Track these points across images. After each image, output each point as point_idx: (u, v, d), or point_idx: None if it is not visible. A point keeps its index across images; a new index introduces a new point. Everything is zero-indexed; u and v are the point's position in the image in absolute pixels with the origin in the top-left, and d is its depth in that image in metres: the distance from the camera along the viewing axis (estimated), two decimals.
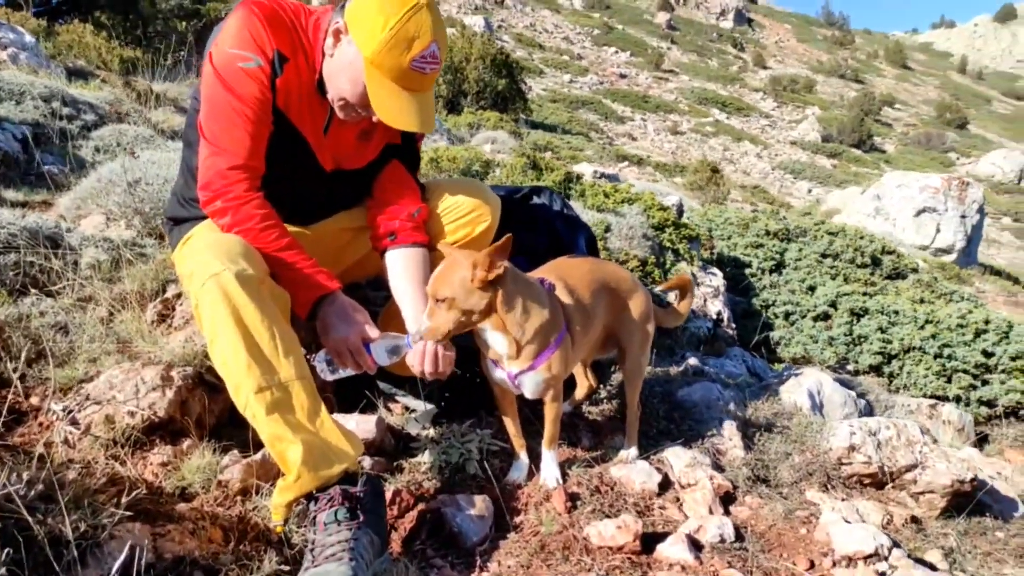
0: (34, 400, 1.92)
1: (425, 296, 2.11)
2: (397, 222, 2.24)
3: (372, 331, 1.98)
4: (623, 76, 34.85)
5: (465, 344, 2.43)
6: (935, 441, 2.88)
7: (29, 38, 6.21)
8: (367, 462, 2.14)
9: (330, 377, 2.03)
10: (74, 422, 1.81)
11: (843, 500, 2.59)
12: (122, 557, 1.20)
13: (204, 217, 2.04)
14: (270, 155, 2.04)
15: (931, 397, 4.14)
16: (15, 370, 1.97)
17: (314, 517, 1.68)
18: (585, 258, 2.58)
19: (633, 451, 2.48)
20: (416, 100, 1.95)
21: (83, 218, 3.13)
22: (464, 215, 2.33)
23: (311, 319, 2.03)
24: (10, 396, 1.90)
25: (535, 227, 2.96)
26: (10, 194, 3.48)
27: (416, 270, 2.21)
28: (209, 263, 1.78)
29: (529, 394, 2.16)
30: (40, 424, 1.86)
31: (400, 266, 2.22)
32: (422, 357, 2.00)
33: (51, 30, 7.27)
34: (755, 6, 66.49)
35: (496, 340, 2.05)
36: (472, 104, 17.59)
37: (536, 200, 3.04)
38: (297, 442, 1.70)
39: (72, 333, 2.19)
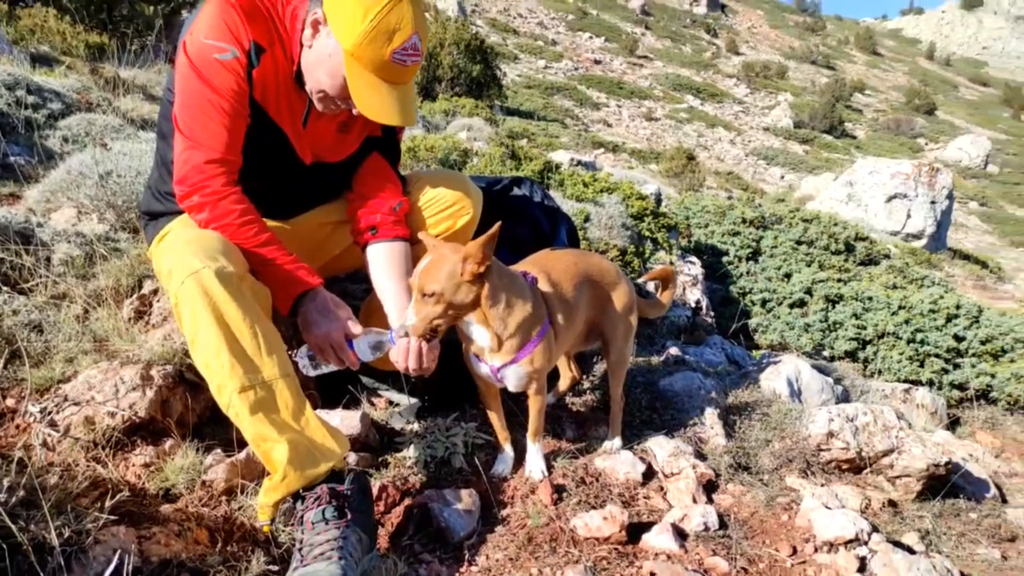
0: (10, 402, 1.88)
1: (408, 291, 2.10)
2: (378, 216, 2.21)
3: (355, 327, 1.96)
4: (598, 62, 34.80)
5: (450, 339, 2.42)
6: (910, 426, 2.93)
7: None
8: (352, 458, 2.13)
9: (312, 373, 2.01)
10: (53, 424, 1.77)
11: (822, 486, 2.63)
12: (111, 567, 1.17)
13: (180, 211, 2.00)
14: (248, 149, 2.00)
15: (905, 381, 4.22)
16: None
17: (301, 516, 1.67)
18: (569, 250, 2.58)
19: (617, 441, 2.49)
20: (397, 93, 1.92)
21: (53, 211, 3.06)
22: (446, 208, 2.32)
23: (292, 315, 2.00)
24: None
25: (516, 218, 2.95)
26: None
27: (398, 264, 2.19)
28: (188, 261, 1.74)
29: (512, 387, 2.16)
30: (17, 427, 1.82)
31: (382, 261, 2.20)
32: (406, 353, 1.99)
33: (12, 14, 7.06)
34: None
35: (479, 334, 2.04)
36: (447, 90, 17.44)
37: (517, 191, 3.03)
38: (282, 441, 1.68)
39: (47, 332, 2.14)
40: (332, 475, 1.75)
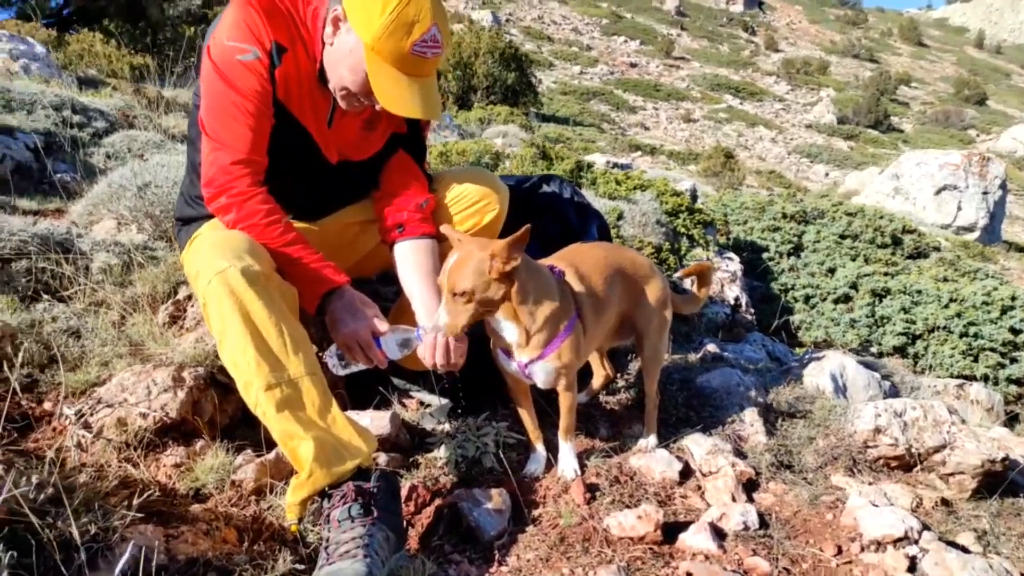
0: (47, 405, 1.92)
1: (435, 288, 2.09)
2: (405, 213, 2.21)
3: (382, 324, 1.95)
4: (633, 65, 34.60)
5: (480, 337, 2.40)
6: (963, 421, 2.80)
7: (40, 49, 6.25)
8: (382, 459, 2.12)
9: (342, 372, 2.01)
10: (87, 426, 1.80)
11: (870, 484, 2.53)
12: (124, 557, 1.17)
13: (211, 216, 2.02)
14: (273, 149, 2.01)
15: (958, 377, 4.05)
16: (28, 376, 1.97)
17: (328, 514, 1.66)
18: (599, 243, 2.54)
19: (652, 439, 2.44)
20: (418, 85, 1.91)
21: (95, 224, 3.14)
22: (472, 204, 2.30)
23: (320, 314, 2.00)
24: (24, 402, 1.90)
25: (546, 215, 2.92)
26: (24, 203, 3.49)
27: (425, 262, 2.18)
28: (215, 261, 1.76)
29: (541, 384, 2.13)
30: (53, 429, 1.86)
31: (409, 258, 2.19)
32: (433, 349, 1.97)
33: (61, 40, 7.32)
34: None
35: (507, 329, 2.02)
36: (482, 99, 17.54)
37: (546, 189, 3.00)
38: (308, 439, 1.68)
39: (84, 337, 2.18)
40: (359, 473, 1.74)
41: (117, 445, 1.78)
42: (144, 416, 1.84)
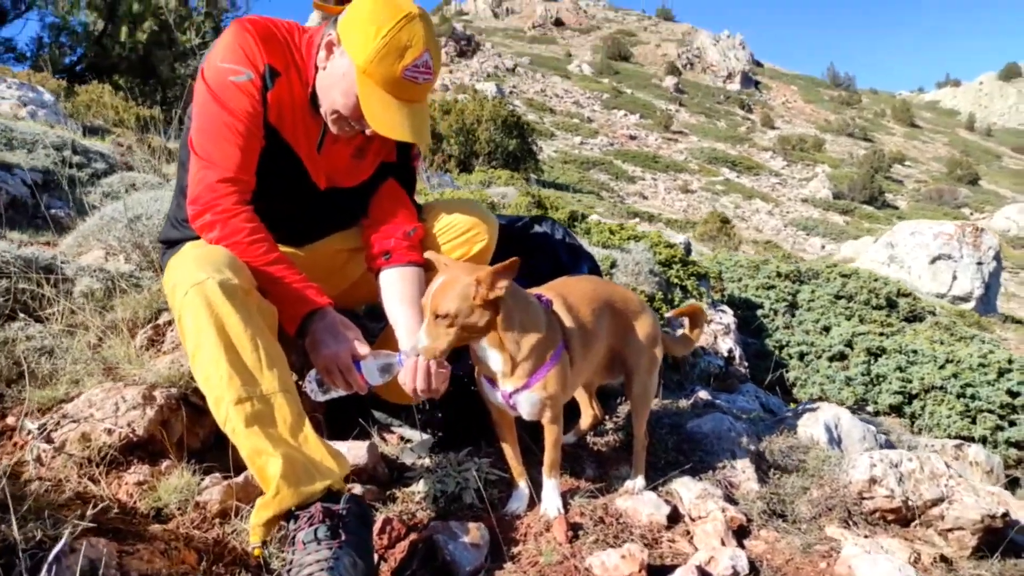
0: (10, 420, 1.85)
1: (420, 315, 2.05)
2: (392, 240, 2.19)
3: (362, 347, 1.90)
4: (633, 137, 35.39)
5: (464, 373, 2.35)
6: (960, 475, 2.72)
7: (48, 97, 6.38)
8: (357, 489, 2.03)
9: (321, 398, 1.95)
10: (48, 440, 1.73)
11: (866, 537, 2.43)
12: (72, 566, 1.10)
13: (196, 237, 2.00)
14: (262, 172, 2.01)
15: (956, 438, 3.96)
16: None
17: (293, 536, 1.58)
18: (589, 277, 2.51)
19: (640, 481, 2.35)
20: (408, 110, 1.92)
21: (83, 254, 3.12)
22: (461, 234, 2.28)
23: (300, 336, 1.96)
24: None
25: (537, 255, 2.90)
26: (14, 235, 3.49)
27: (411, 289, 2.15)
28: (193, 273, 1.73)
29: (526, 415, 2.06)
30: (14, 444, 1.78)
31: (395, 285, 2.16)
32: (414, 374, 1.91)
33: (71, 90, 7.48)
34: (760, 69, 67.90)
35: (491, 356, 1.97)
36: (484, 164, 17.83)
37: (538, 229, 3.00)
38: (277, 455, 1.61)
39: (57, 357, 2.13)
40: (329, 495, 1.66)
41: (79, 460, 1.71)
42: (109, 432, 1.77)
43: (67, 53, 8.98)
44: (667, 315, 3.10)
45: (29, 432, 1.76)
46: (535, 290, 2.18)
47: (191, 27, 9.44)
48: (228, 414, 1.64)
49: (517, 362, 1.97)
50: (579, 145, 31.45)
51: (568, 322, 2.13)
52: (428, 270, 2.24)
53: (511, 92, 37.65)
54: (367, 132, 2.00)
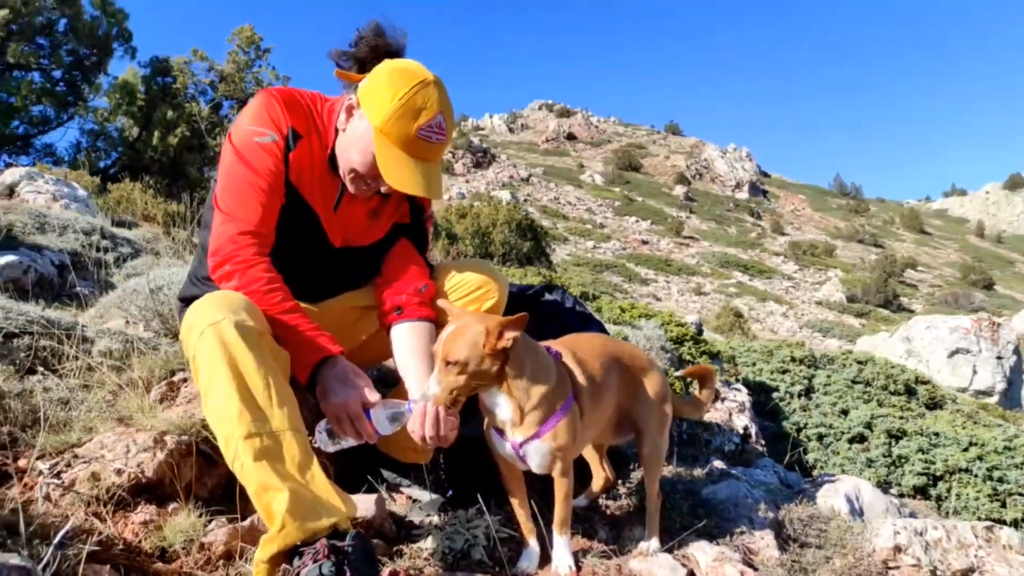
0: (22, 462, 1.85)
1: (430, 368, 2.08)
2: (404, 296, 2.25)
3: (372, 395, 1.92)
4: (645, 242, 36.01)
5: (475, 434, 2.34)
6: (990, 545, 2.61)
7: (82, 192, 6.68)
8: None
9: (331, 448, 1.95)
10: (58, 478, 1.73)
11: None
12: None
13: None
14: (282, 228, 2.10)
15: (986, 519, 3.80)
16: (9, 434, 1.93)
17: (297, 573, 1.54)
18: (597, 335, 2.53)
19: (655, 543, 2.28)
20: (422, 168, 2.03)
21: (104, 323, 3.19)
22: (472, 291, 2.33)
23: (311, 386, 1.98)
24: None
25: (547, 323, 2.94)
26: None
27: (421, 343, 2.18)
28: (210, 314, 1.78)
29: (535, 467, 2.04)
30: (25, 484, 1.79)
31: (406, 339, 2.20)
32: (422, 420, 1.92)
33: (103, 188, 7.84)
34: (767, 179, 69.71)
35: (500, 405, 1.97)
36: (499, 264, 18.17)
37: (548, 297, 3.05)
38: (284, 490, 1.60)
39: (72, 407, 2.16)
40: (334, 534, 1.63)
41: (87, 499, 1.70)
42: (119, 473, 1.77)
43: (102, 157, 9.50)
44: (675, 374, 3.08)
45: (40, 472, 1.77)
46: (545, 343, 2.21)
47: (221, 133, 9.96)
48: (237, 450, 1.64)
49: (526, 411, 1.97)
50: (592, 249, 32.00)
51: (577, 374, 2.14)
52: (440, 326, 2.29)
53: (525, 200, 38.77)
54: (382, 190, 2.11)
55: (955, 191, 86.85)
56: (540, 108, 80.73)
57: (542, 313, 2.99)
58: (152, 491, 1.83)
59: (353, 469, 2.36)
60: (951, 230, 65.87)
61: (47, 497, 1.70)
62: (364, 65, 2.11)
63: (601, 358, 2.25)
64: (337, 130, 2.15)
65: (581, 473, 2.51)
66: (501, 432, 2.05)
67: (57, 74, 10.58)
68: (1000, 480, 4.06)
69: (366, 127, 2.01)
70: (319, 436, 1.93)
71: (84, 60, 10.64)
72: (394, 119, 1.96)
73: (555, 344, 2.22)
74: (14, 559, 0.82)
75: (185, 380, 2.45)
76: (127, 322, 3.12)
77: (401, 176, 1.99)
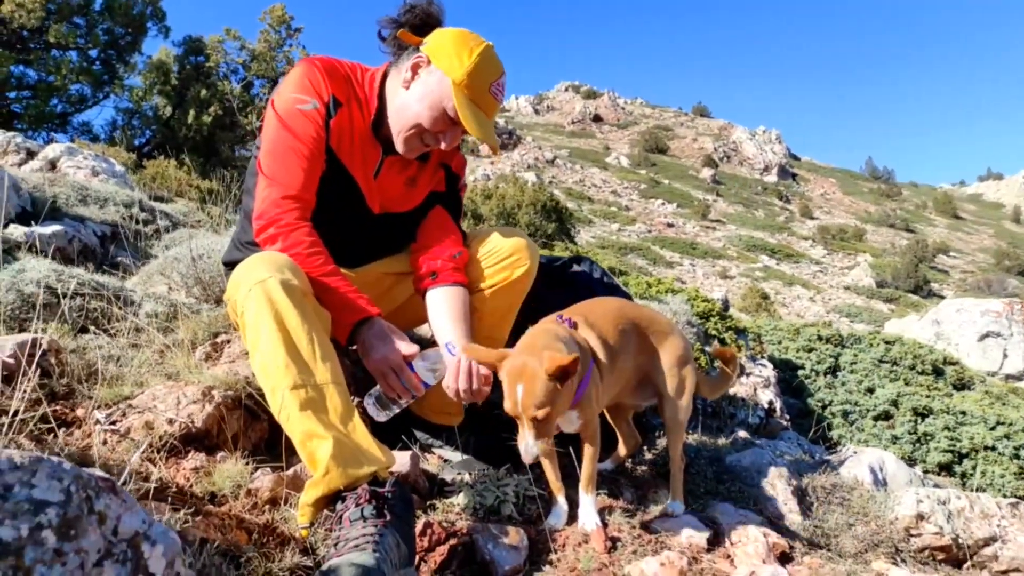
0: (80, 412, 1.96)
1: (465, 329, 2.16)
2: (439, 262, 2.32)
3: (410, 348, 1.99)
4: (670, 225, 35.75)
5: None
6: (1014, 516, 2.63)
7: (119, 168, 6.84)
8: None
9: (382, 417, 2.03)
10: (114, 426, 1.84)
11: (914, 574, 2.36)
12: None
13: None
14: (322, 195, 2.18)
15: (1013, 496, 3.80)
16: (66, 386, 2.04)
17: (340, 516, 1.63)
18: (614, 299, 2.56)
19: (679, 504, 2.34)
20: (488, 122, 2.13)
21: (149, 289, 3.31)
22: (504, 259, 2.39)
23: (351, 344, 2.07)
24: (58, 407, 1.95)
25: (575, 292, 2.99)
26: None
27: (456, 307, 2.26)
28: (257, 271, 1.86)
29: (564, 429, 2.12)
30: (83, 433, 1.90)
31: (441, 303, 2.27)
32: (456, 374, 2.00)
33: (140, 164, 8.01)
34: (797, 162, 68.64)
35: None
36: None
37: (576, 268, 3.10)
38: (328, 438, 1.69)
39: (123, 364, 2.27)
40: (374, 482, 1.72)
41: (140, 447, 1.81)
42: (171, 423, 1.88)
43: (137, 134, 9.71)
44: (707, 350, 3.13)
45: (97, 421, 1.87)
46: (559, 313, 2.26)
47: (253, 112, 10.11)
48: (284, 400, 1.73)
49: None
50: (616, 232, 31.87)
51: (592, 340, 2.19)
52: (472, 292, 2.36)
53: (550, 182, 38.64)
54: (441, 146, 2.18)
55: (991, 175, 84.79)
56: (566, 89, 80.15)
57: (569, 283, 3.05)
58: (201, 441, 1.93)
59: (388, 430, 2.45)
60: (985, 215, 64.44)
61: (104, 443, 1.80)
62: (416, 31, 2.19)
63: (616, 321, 2.30)
64: (383, 97, 2.22)
65: (608, 440, 2.57)
66: None
67: (93, 53, 10.80)
68: None
69: (439, 81, 2.09)
70: (369, 407, 2.02)
71: (119, 39, 10.84)
72: (473, 74, 2.06)
73: (569, 312, 2.27)
74: (99, 472, 0.90)
75: (228, 341, 2.55)
76: (169, 288, 3.23)
77: (476, 126, 2.08)
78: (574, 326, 2.19)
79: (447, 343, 2.01)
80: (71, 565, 0.81)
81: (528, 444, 1.86)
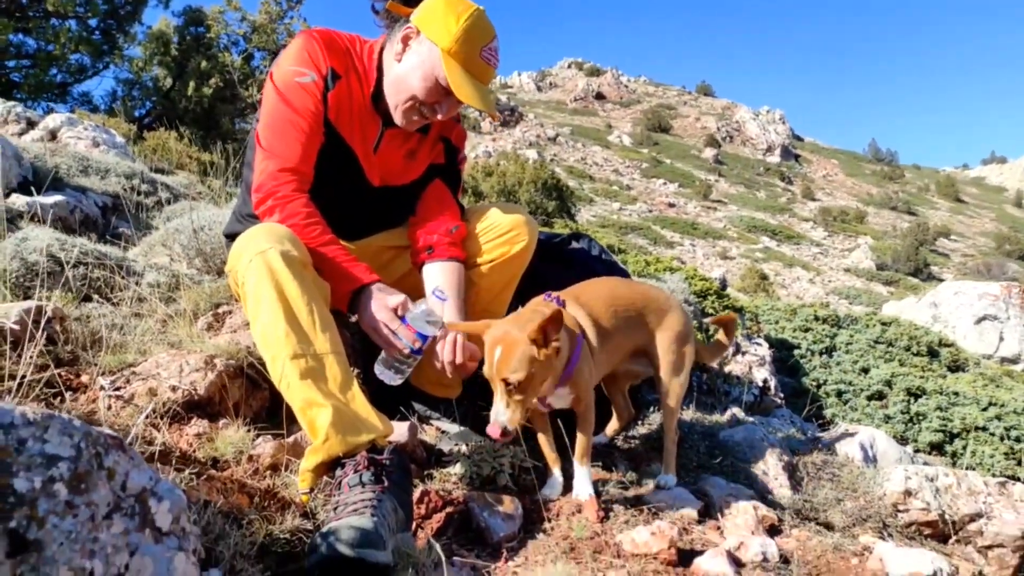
0: (84, 378, 2.00)
1: (459, 305, 2.19)
2: (436, 236, 2.34)
3: (395, 298, 1.99)
4: (672, 205, 35.69)
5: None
6: (1000, 493, 2.68)
7: (119, 139, 6.83)
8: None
9: (396, 380, 2.04)
10: (118, 391, 1.87)
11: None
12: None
13: None
14: (321, 167, 2.19)
15: (1000, 476, 3.87)
16: (71, 352, 2.08)
17: (339, 482, 1.68)
18: (607, 279, 2.55)
19: (671, 477, 2.39)
20: (481, 88, 2.12)
21: (150, 260, 3.33)
22: (502, 234, 2.41)
23: (352, 311, 2.09)
24: (63, 373, 1.99)
25: (574, 269, 3.02)
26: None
27: (452, 282, 2.29)
28: (258, 242, 1.89)
29: (557, 406, 2.15)
30: (88, 398, 1.93)
31: (436, 278, 2.30)
32: (443, 346, 2.03)
33: (140, 136, 7.99)
34: (800, 143, 68.30)
35: None
36: None
37: (575, 245, 3.12)
38: (327, 406, 1.72)
39: (127, 332, 2.30)
40: (373, 450, 1.76)
41: (144, 411, 1.84)
42: (174, 389, 1.91)
43: (137, 105, 9.68)
44: (705, 321, 3.16)
45: (102, 387, 1.91)
46: (548, 292, 2.27)
47: (253, 84, 10.07)
48: (284, 369, 1.77)
49: None
50: (617, 211, 31.82)
51: (582, 318, 2.20)
52: (469, 267, 2.38)
53: (552, 160, 38.48)
54: (438, 117, 2.18)
55: (994, 159, 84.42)
56: (569, 66, 79.52)
57: (567, 259, 3.07)
58: (203, 408, 1.97)
59: (387, 401, 2.49)
60: (988, 199, 64.27)
61: (109, 408, 1.84)
62: (406, 2, 2.18)
63: (609, 300, 2.31)
64: (381, 70, 2.22)
65: (602, 414, 2.61)
66: None
67: (93, 23, 10.74)
68: (1017, 439, 4.11)
69: (428, 51, 2.09)
70: (380, 373, 2.04)
71: (119, 9, 10.75)
72: (462, 40, 2.05)
73: (560, 293, 2.28)
74: (108, 430, 0.94)
75: (230, 312, 2.58)
76: (170, 260, 3.26)
77: (469, 92, 2.07)
78: (562, 305, 2.21)
79: (434, 289, 2.03)
80: (82, 517, 0.85)
81: (498, 411, 1.84)
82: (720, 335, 2.72)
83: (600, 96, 69.61)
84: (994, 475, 3.97)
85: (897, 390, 4.45)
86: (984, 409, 4.30)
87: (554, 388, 2.04)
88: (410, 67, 2.12)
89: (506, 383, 1.85)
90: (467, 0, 2.09)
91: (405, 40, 2.13)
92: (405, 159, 2.38)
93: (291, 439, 1.94)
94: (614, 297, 2.33)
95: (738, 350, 4.14)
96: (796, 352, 4.96)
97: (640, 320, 2.38)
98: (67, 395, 1.86)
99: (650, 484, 2.39)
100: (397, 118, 2.20)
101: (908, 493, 2.57)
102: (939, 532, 2.57)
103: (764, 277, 14.16)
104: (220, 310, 2.59)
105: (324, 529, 1.50)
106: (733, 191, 43.41)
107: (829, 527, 2.45)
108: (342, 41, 2.24)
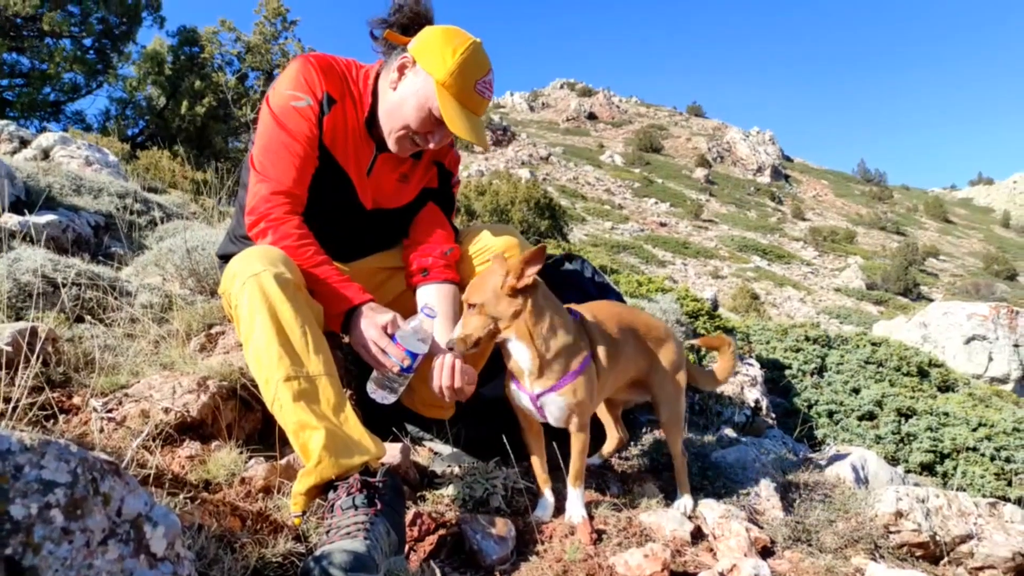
0: (76, 400, 2.00)
1: (453, 326, 2.20)
2: (430, 259, 2.36)
3: (384, 316, 2.00)
4: (663, 224, 35.88)
5: (495, 395, 2.45)
6: (991, 515, 2.69)
7: (112, 158, 6.84)
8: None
9: (390, 399, 2.04)
10: (110, 414, 1.87)
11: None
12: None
13: None
14: (315, 190, 2.21)
15: (991, 497, 3.88)
16: (63, 374, 2.07)
17: (332, 505, 1.67)
18: (614, 302, 2.62)
19: (688, 500, 2.40)
20: (476, 121, 2.15)
21: (143, 280, 3.33)
22: (495, 256, 2.43)
23: (345, 332, 2.10)
24: (55, 395, 1.98)
25: (566, 290, 3.03)
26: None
27: (446, 304, 2.30)
28: (251, 265, 1.90)
29: (553, 420, 2.15)
30: (80, 420, 1.93)
31: (430, 300, 2.31)
32: (440, 371, 2.03)
33: (133, 155, 8.00)
34: (790, 163, 68.92)
35: (520, 352, 2.06)
36: None
37: (568, 266, 3.14)
38: (320, 428, 1.72)
39: (119, 353, 2.30)
40: (365, 472, 1.76)
41: (136, 434, 1.84)
42: (166, 411, 1.91)
43: (131, 124, 9.69)
44: (689, 342, 3.18)
45: (94, 410, 1.91)
46: (567, 306, 2.30)
47: (247, 104, 10.11)
48: (277, 391, 1.77)
49: (546, 360, 2.06)
50: (609, 230, 31.95)
51: (596, 336, 2.23)
52: (463, 290, 2.40)
53: (544, 179, 38.68)
54: (431, 145, 2.21)
55: (982, 180, 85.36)
56: (561, 87, 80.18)
57: (561, 281, 3.09)
58: (196, 429, 1.97)
59: (379, 423, 2.49)
60: (976, 219, 64.91)
61: (101, 430, 1.83)
62: (405, 31, 2.21)
63: (618, 324, 2.35)
64: (376, 95, 2.25)
65: (595, 436, 2.62)
66: (521, 385, 2.16)
67: (87, 42, 10.78)
68: (1007, 460, 4.13)
69: (424, 80, 2.11)
70: (373, 393, 2.04)
71: (114, 29, 10.80)
72: (457, 73, 2.07)
73: (575, 308, 2.32)
74: (103, 455, 0.94)
75: (222, 332, 2.58)
76: (163, 280, 3.26)
77: (462, 125, 2.09)
78: (580, 317, 2.23)
79: (423, 307, 2.04)
80: (77, 543, 0.85)
81: (456, 327, 2.03)
82: (719, 364, 2.73)
83: (592, 116, 70.16)
84: (984, 496, 3.98)
85: (888, 410, 4.48)
86: (974, 429, 4.32)
87: (511, 329, 2.03)
88: (404, 96, 2.14)
89: (468, 304, 2.01)
90: (464, 32, 2.12)
91: (401, 69, 2.15)
92: (398, 183, 2.40)
93: (284, 461, 1.94)
94: (621, 321, 2.36)
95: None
96: (787, 372, 4.98)
97: (641, 346, 2.40)
98: (60, 417, 1.85)
99: (642, 504, 2.39)
100: (391, 145, 2.23)
101: (899, 514, 2.57)
102: (930, 553, 2.58)
103: (755, 297, 14.24)
104: (213, 330, 2.59)
105: (317, 553, 1.49)
106: (724, 211, 43.70)
107: (821, 548, 2.45)
108: (339, 66, 2.26)
